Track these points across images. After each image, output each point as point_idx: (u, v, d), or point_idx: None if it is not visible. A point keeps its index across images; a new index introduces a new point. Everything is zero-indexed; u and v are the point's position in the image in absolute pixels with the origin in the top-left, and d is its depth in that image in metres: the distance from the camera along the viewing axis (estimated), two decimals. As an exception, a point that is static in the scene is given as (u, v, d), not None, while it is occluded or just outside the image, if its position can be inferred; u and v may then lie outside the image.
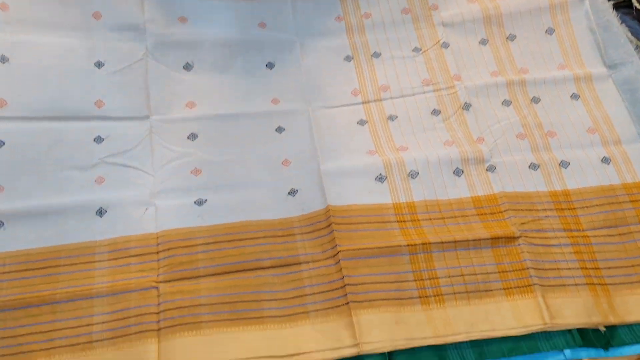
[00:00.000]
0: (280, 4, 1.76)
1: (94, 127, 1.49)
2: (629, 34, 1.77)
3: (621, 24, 1.81)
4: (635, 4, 1.79)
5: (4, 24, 1.56)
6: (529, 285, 1.30)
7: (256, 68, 1.65)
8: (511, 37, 1.76)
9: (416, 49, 1.73)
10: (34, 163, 1.41)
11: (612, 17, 1.77)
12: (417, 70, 1.69)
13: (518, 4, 1.79)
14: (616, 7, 1.85)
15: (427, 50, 1.73)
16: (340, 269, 1.30)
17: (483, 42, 1.75)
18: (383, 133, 1.57)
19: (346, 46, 1.72)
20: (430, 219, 1.40)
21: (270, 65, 1.66)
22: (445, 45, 1.73)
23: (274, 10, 1.75)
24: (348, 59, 1.71)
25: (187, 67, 1.62)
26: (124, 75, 1.57)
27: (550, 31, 1.76)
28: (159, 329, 1.23)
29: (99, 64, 1.57)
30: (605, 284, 1.32)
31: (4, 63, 1.52)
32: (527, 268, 1.32)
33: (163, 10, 1.68)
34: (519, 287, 1.31)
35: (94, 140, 1.47)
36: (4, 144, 1.42)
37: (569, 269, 1.34)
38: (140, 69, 1.59)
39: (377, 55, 1.71)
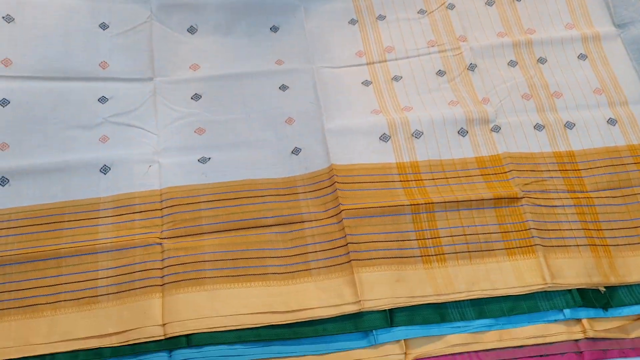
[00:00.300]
0: None
1: (98, 87, 1.49)
2: None
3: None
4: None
5: None
6: (531, 246, 1.31)
7: (260, 31, 1.64)
8: None
9: (421, 11, 1.71)
10: (39, 122, 1.42)
11: None
12: (423, 31, 1.68)
13: None
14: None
15: (432, 11, 1.71)
16: (343, 228, 1.30)
17: (489, 2, 1.73)
18: (388, 93, 1.56)
19: (350, 9, 1.71)
20: (433, 179, 1.40)
21: (274, 29, 1.65)
22: (451, 6, 1.71)
23: None
24: (353, 22, 1.69)
25: (192, 30, 1.62)
26: (128, 38, 1.57)
27: None
28: (162, 285, 1.24)
29: (103, 26, 1.57)
30: (607, 245, 1.33)
31: (9, 22, 1.52)
32: (530, 228, 1.32)
33: None
34: (520, 247, 1.31)
35: (98, 100, 1.48)
36: (9, 102, 1.43)
37: (571, 229, 1.34)
38: (144, 31, 1.59)
39: (381, 17, 1.70)
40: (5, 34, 1.50)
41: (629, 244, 1.33)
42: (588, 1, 1.72)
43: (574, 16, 1.70)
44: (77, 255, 1.26)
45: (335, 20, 1.68)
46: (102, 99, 1.48)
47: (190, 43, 1.60)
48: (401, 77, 1.59)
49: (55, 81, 1.47)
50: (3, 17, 1.52)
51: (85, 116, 1.45)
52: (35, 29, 1.52)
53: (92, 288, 1.24)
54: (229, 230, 1.31)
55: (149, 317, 1.20)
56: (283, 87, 1.54)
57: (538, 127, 1.49)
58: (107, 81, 1.50)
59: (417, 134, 1.45)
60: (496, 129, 1.48)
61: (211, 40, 1.61)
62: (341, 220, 1.31)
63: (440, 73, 1.60)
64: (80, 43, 1.53)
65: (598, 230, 1.34)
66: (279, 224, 1.33)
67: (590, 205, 1.37)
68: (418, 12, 1.71)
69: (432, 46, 1.64)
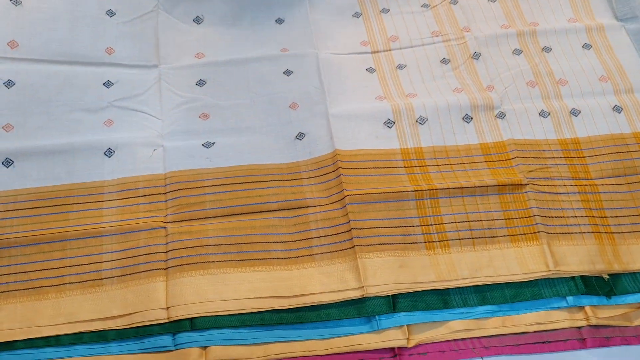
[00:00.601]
0: None
1: (104, 72, 1.50)
2: None
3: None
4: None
5: None
6: (535, 233, 1.31)
7: (265, 23, 1.65)
8: None
9: (425, 5, 1.72)
10: (44, 104, 1.43)
11: None
12: (427, 23, 1.68)
13: None
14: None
15: (436, 6, 1.72)
16: (347, 213, 1.30)
17: None
18: (392, 81, 1.56)
19: (354, 3, 1.72)
20: (437, 165, 1.40)
21: (279, 21, 1.66)
22: (454, 1, 1.72)
23: None
24: (357, 15, 1.70)
25: (197, 20, 1.63)
26: (135, 26, 1.58)
27: None
28: (167, 268, 1.25)
29: (110, 13, 1.58)
30: (611, 233, 1.32)
31: (16, 5, 1.52)
32: (533, 215, 1.32)
33: None
34: (524, 234, 1.31)
35: (104, 84, 1.48)
36: (14, 84, 1.43)
37: (575, 216, 1.34)
38: (150, 20, 1.60)
39: (385, 11, 1.71)
40: (12, 16, 1.51)
41: (633, 232, 1.33)
42: None
43: (576, 11, 1.71)
44: (82, 238, 1.26)
45: (340, 14, 1.70)
46: (108, 83, 1.48)
47: (196, 33, 1.61)
48: (405, 66, 1.59)
49: (60, 64, 1.48)
50: (11, 0, 1.53)
51: (90, 99, 1.45)
52: (42, 13, 1.53)
53: (96, 271, 1.24)
54: (233, 214, 1.31)
55: (153, 300, 1.21)
56: (287, 72, 1.54)
57: (543, 114, 1.49)
58: (113, 66, 1.51)
59: (422, 120, 1.45)
60: (501, 115, 1.48)
61: (216, 31, 1.62)
62: (345, 206, 1.31)
63: (445, 61, 1.60)
64: (87, 29, 1.54)
65: (602, 217, 1.34)
66: (283, 209, 1.33)
67: (595, 193, 1.37)
68: (422, 6, 1.72)
69: (436, 36, 1.65)
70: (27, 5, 1.53)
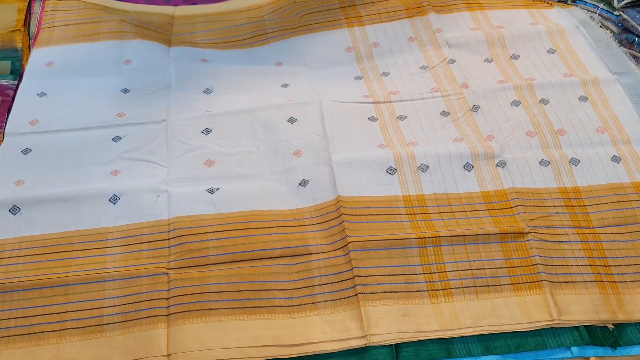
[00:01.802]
0: (293, 44, 1.87)
1: (115, 131, 1.57)
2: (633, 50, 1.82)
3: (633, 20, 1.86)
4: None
5: (48, 73, 1.72)
6: (538, 281, 1.30)
7: (272, 88, 1.72)
8: (515, 57, 1.83)
9: (423, 67, 1.80)
10: (57, 163, 1.49)
11: (610, 40, 1.86)
12: (426, 81, 1.75)
13: (519, 31, 1.88)
14: (632, 6, 1.90)
15: (434, 67, 1.79)
16: (350, 260, 1.30)
17: (488, 60, 1.82)
18: (393, 130, 1.59)
19: (356, 70, 1.81)
20: (439, 213, 1.41)
21: (285, 86, 1.73)
22: (452, 61, 1.79)
23: (288, 51, 1.86)
24: (358, 78, 1.78)
25: (207, 91, 1.71)
26: (147, 99, 1.67)
27: (551, 51, 1.84)
28: (168, 315, 1.24)
29: (125, 90, 1.69)
30: (615, 282, 1.32)
31: (41, 97, 1.65)
32: (536, 264, 1.32)
33: (186, 54, 1.81)
34: (527, 282, 1.31)
35: (112, 139, 1.55)
36: (30, 150, 1.51)
37: (578, 265, 1.33)
38: (163, 93, 1.68)
39: (385, 74, 1.79)
40: (36, 104, 1.63)
41: (637, 281, 1.32)
42: (582, 56, 1.81)
43: (570, 68, 1.78)
44: (84, 283, 1.26)
45: (342, 78, 1.78)
46: (116, 138, 1.55)
47: (205, 100, 1.68)
48: (406, 117, 1.63)
49: (75, 131, 1.57)
50: (37, 94, 1.66)
51: (100, 154, 1.51)
52: (64, 98, 1.65)
53: (98, 317, 1.23)
54: (235, 261, 1.31)
55: (154, 347, 1.19)
56: (291, 120, 1.57)
57: (543, 162, 1.51)
58: (123, 126, 1.58)
59: (423, 168, 1.47)
60: (501, 164, 1.50)
61: (225, 96, 1.69)
62: (348, 253, 1.31)
63: (445, 114, 1.64)
64: (103, 103, 1.64)
65: (605, 266, 1.34)
66: (286, 256, 1.33)
67: (597, 241, 1.37)
68: (420, 68, 1.79)
69: (436, 92, 1.70)
70: (50, 95, 1.66)
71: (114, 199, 1.39)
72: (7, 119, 1.60)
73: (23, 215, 1.36)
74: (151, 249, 1.33)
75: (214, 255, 1.32)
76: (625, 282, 1.32)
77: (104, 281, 1.27)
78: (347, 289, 1.28)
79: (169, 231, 1.35)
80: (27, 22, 1.90)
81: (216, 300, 1.26)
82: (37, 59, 1.77)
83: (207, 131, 1.56)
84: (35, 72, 1.73)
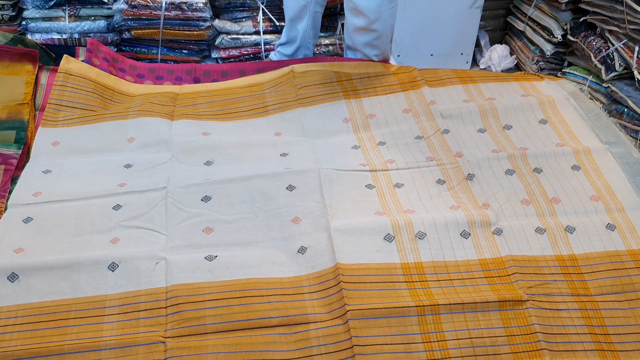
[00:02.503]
0: (293, 115, 1.93)
1: (115, 200, 1.59)
2: (625, 119, 1.89)
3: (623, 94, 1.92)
4: (638, 76, 1.88)
5: (54, 152, 1.78)
6: (538, 350, 1.29)
7: (271, 157, 1.77)
8: (507, 127, 1.89)
9: (418, 137, 1.85)
10: (57, 232, 1.50)
11: (600, 111, 1.94)
12: (421, 150, 1.79)
13: (511, 102, 1.96)
14: (619, 78, 1.97)
15: (429, 137, 1.84)
16: (349, 329, 1.29)
17: (481, 130, 1.88)
18: (390, 197, 1.61)
19: (353, 139, 1.86)
20: (438, 280, 1.40)
21: (284, 155, 1.77)
22: (446, 131, 1.85)
23: (287, 121, 1.92)
24: (355, 147, 1.82)
25: (208, 163, 1.75)
26: (148, 172, 1.70)
27: (543, 122, 1.90)
28: (165, 384, 1.22)
29: (128, 166, 1.72)
30: (615, 350, 1.31)
31: (46, 174, 1.69)
32: (536, 332, 1.31)
33: (188, 128, 1.86)
34: (527, 351, 1.29)
35: (113, 208, 1.56)
36: (32, 219, 1.53)
37: (578, 334, 1.32)
38: (164, 167, 1.72)
39: (382, 144, 1.83)
40: (39, 179, 1.67)
41: (637, 350, 1.31)
42: (572, 126, 1.87)
43: (562, 138, 1.83)
44: (80, 352, 1.24)
45: (339, 147, 1.82)
46: (117, 207, 1.56)
47: (205, 170, 1.71)
48: (403, 185, 1.65)
49: (76, 201, 1.58)
50: (43, 171, 1.70)
51: (100, 222, 1.52)
52: (68, 173, 1.69)
53: (94, 386, 1.21)
54: (233, 330, 1.30)
55: (149, 418, 1.17)
56: (290, 187, 1.60)
57: (539, 230, 1.52)
58: (124, 194, 1.60)
59: (421, 235, 1.48)
60: (498, 231, 1.51)
61: (225, 166, 1.72)
62: (347, 322, 1.30)
63: (440, 182, 1.67)
64: (106, 177, 1.68)
65: (605, 335, 1.33)
66: (284, 325, 1.31)
67: (595, 309, 1.37)
68: (415, 138, 1.84)
69: (431, 160, 1.73)
70: (55, 172, 1.70)
71: (113, 267, 1.39)
72: (10, 188, 1.62)
73: (21, 282, 1.35)
74: (148, 317, 1.32)
75: (211, 324, 1.30)
76: (627, 351, 1.31)
77: (100, 350, 1.25)
78: (346, 358, 1.26)
79: (167, 299, 1.34)
80: (34, 93, 1.94)
81: (213, 370, 1.24)
82: (43, 138, 1.81)
83: (206, 198, 1.58)
84: (42, 151, 1.77)
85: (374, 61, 2.15)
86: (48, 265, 1.38)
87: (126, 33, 2.34)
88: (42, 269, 1.38)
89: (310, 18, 2.22)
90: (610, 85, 2.01)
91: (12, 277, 1.36)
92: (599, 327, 1.34)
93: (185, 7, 2.27)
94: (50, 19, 2.28)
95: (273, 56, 2.36)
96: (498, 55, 2.54)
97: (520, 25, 2.52)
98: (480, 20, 2.52)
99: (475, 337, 1.31)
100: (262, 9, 2.40)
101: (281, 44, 2.34)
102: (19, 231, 1.49)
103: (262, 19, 2.41)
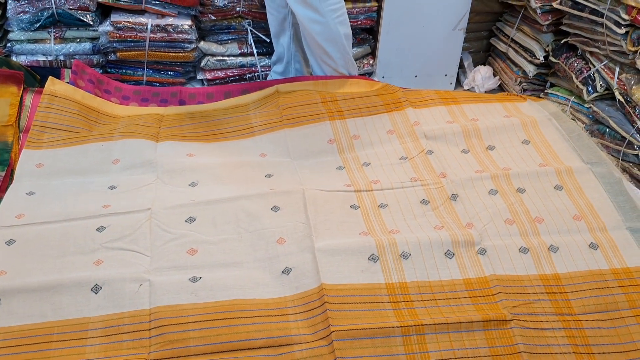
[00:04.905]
0: (277, 137, 1.93)
1: (99, 221, 1.57)
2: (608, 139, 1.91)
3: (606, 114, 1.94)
4: (619, 96, 1.91)
5: (38, 174, 1.76)
6: (523, 369, 1.29)
7: (256, 178, 1.77)
8: (490, 148, 1.91)
9: (403, 158, 1.86)
10: (40, 253, 1.48)
11: (582, 131, 1.96)
12: (405, 171, 1.81)
13: (494, 123, 1.98)
14: (601, 99, 2.01)
15: (413, 157, 1.86)
16: (333, 350, 1.28)
17: (465, 151, 1.90)
18: (375, 218, 1.61)
19: (338, 160, 1.87)
20: (422, 300, 1.40)
21: (269, 176, 1.78)
22: (430, 152, 1.87)
23: (272, 142, 1.92)
24: (340, 168, 1.84)
25: (192, 184, 1.74)
26: (132, 194, 1.69)
27: (525, 142, 1.92)
28: (148, 409, 1.20)
29: (112, 187, 1.71)
30: (600, 369, 1.31)
31: (30, 195, 1.67)
32: (520, 352, 1.31)
33: (173, 149, 1.86)
34: (512, 371, 1.29)
35: (97, 229, 1.55)
36: (15, 241, 1.51)
37: (562, 353, 1.33)
38: (149, 188, 1.71)
39: (366, 164, 1.85)
40: (22, 200, 1.65)
41: (622, 369, 1.32)
42: (555, 147, 1.90)
43: (545, 158, 1.85)
44: (61, 375, 1.23)
45: (324, 167, 1.83)
46: (100, 228, 1.55)
47: (191, 191, 1.70)
48: (387, 205, 1.66)
49: (59, 223, 1.57)
50: (26, 193, 1.68)
51: (84, 244, 1.51)
52: (53, 193, 1.68)
53: (74, 411, 1.19)
54: (217, 352, 1.29)
55: None
56: (275, 208, 1.60)
57: (523, 250, 1.53)
58: (107, 216, 1.59)
59: (405, 255, 1.48)
60: (482, 251, 1.52)
61: (210, 187, 1.72)
62: (331, 343, 1.29)
63: (424, 202, 1.68)
64: (90, 198, 1.66)
65: (589, 354, 1.33)
66: (269, 346, 1.30)
67: (579, 329, 1.37)
68: (400, 159, 1.86)
69: (415, 181, 1.75)
70: (39, 193, 1.68)
71: (96, 289, 1.38)
72: None
73: (3, 305, 1.34)
74: (132, 340, 1.30)
75: (195, 346, 1.29)
76: (611, 369, 1.31)
77: (82, 373, 1.23)
78: (330, 380, 1.26)
79: (150, 321, 1.33)
80: (18, 115, 1.93)
81: (197, 394, 1.23)
82: (27, 160, 1.80)
83: (190, 220, 1.57)
84: (26, 173, 1.76)
85: (356, 77, 2.19)
86: (30, 287, 1.36)
87: (112, 55, 2.33)
88: (24, 291, 1.36)
89: (291, 31, 2.25)
90: (592, 105, 2.04)
91: (-6, 300, 1.34)
92: (583, 347, 1.34)
93: (171, 29, 2.28)
94: (35, 41, 2.26)
95: (270, 77, 2.38)
96: (481, 76, 2.57)
97: (502, 47, 2.55)
98: (464, 42, 2.56)
99: (460, 357, 1.30)
100: (250, 30, 2.41)
101: (274, 63, 2.37)
102: (1, 253, 1.47)
103: (253, 40, 2.43)
